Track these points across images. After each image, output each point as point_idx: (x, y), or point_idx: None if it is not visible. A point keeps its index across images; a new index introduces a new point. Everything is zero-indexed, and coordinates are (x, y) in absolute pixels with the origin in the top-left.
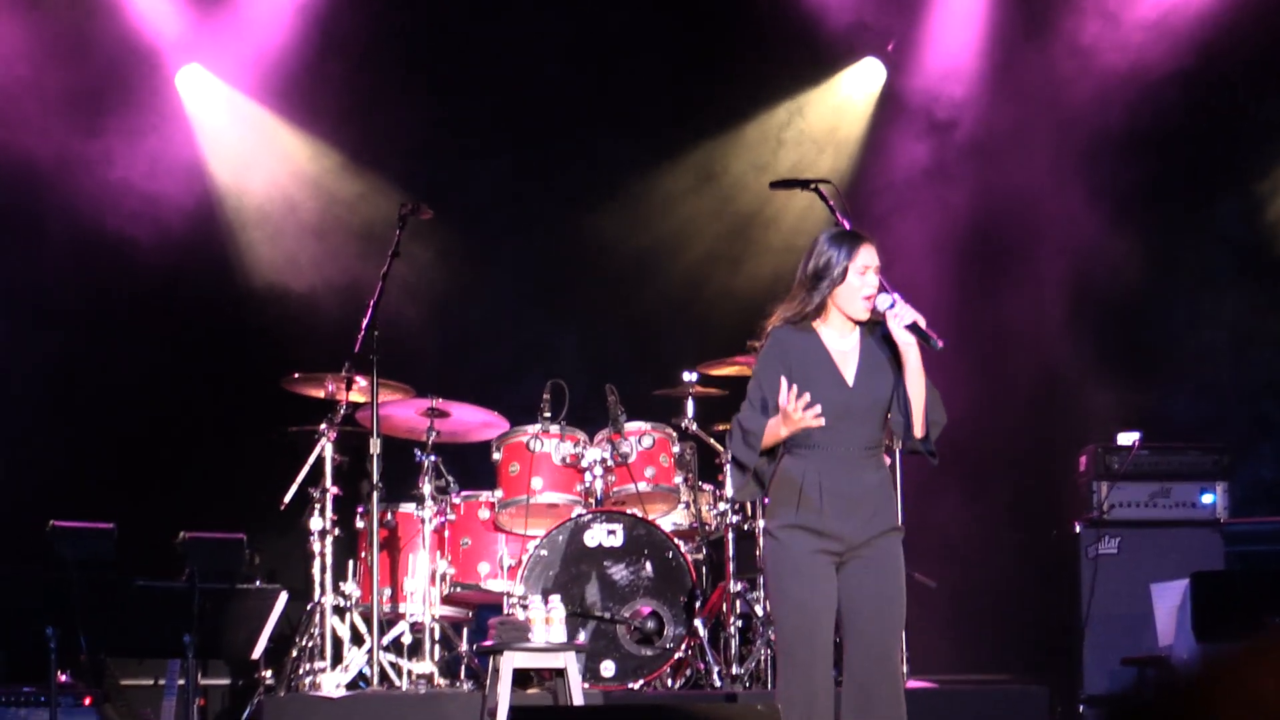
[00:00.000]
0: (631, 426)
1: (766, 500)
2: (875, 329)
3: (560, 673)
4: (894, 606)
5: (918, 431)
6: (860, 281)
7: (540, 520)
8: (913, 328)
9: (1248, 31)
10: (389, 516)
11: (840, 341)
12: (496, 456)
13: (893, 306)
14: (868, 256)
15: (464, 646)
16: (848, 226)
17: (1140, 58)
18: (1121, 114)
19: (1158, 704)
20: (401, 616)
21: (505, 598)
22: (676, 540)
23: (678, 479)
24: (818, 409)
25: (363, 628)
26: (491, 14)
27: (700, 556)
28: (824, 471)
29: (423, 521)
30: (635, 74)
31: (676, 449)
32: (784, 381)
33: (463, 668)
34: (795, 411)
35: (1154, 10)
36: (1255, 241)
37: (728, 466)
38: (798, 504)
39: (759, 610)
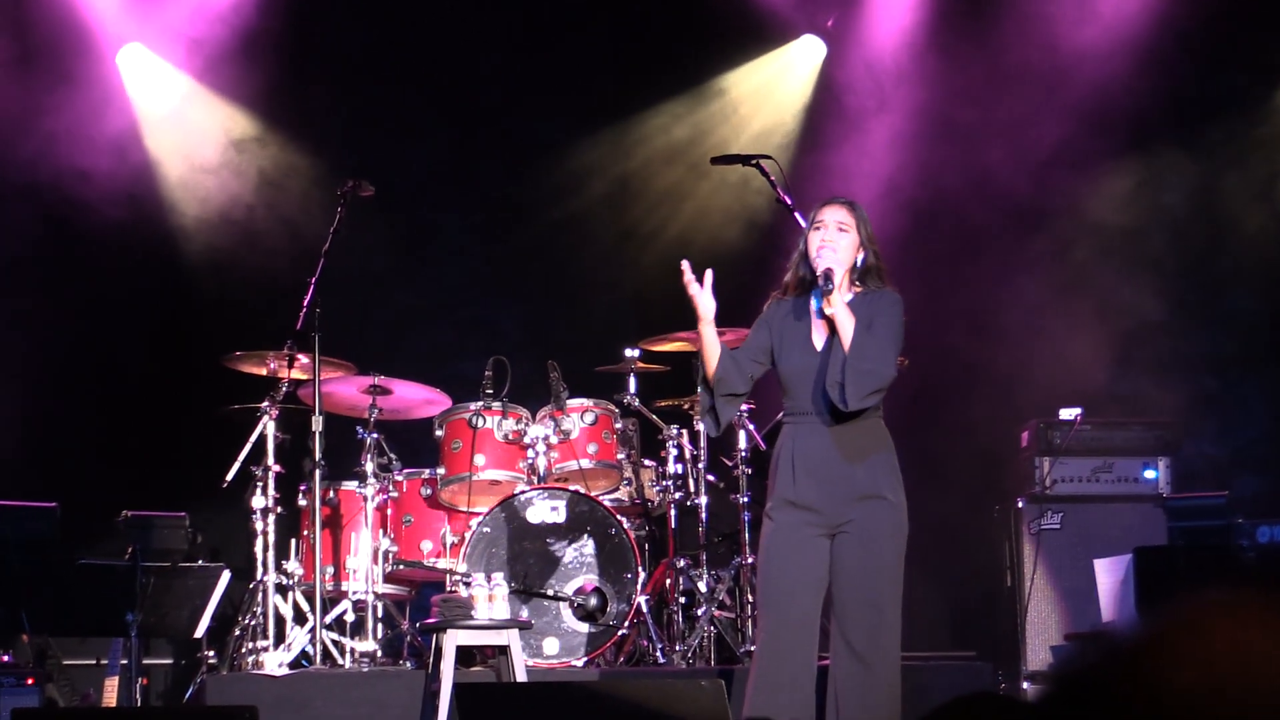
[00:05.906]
0: (574, 403)
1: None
2: (867, 295)
3: (503, 650)
4: (873, 579)
5: (837, 374)
6: (814, 237)
7: (483, 497)
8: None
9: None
10: (331, 494)
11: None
12: (439, 434)
13: (820, 256)
14: (820, 213)
15: (407, 625)
16: (789, 202)
17: (1080, 30)
18: (1066, 85)
19: (1100, 673)
20: (344, 595)
21: (448, 575)
22: (619, 517)
23: (620, 455)
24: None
25: (305, 606)
26: None
27: (643, 533)
28: (799, 439)
29: (365, 499)
30: (574, 51)
31: (619, 425)
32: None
33: (405, 646)
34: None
35: None
36: (1199, 219)
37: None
38: (777, 476)
39: (701, 587)
